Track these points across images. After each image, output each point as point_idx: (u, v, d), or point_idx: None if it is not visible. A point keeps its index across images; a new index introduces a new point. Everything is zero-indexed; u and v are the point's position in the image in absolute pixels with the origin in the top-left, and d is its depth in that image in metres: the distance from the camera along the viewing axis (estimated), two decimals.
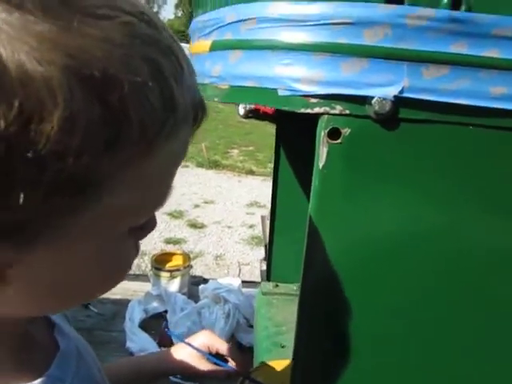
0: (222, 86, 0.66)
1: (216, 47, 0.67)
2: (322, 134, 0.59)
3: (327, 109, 0.58)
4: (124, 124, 0.28)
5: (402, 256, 0.62)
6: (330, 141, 0.59)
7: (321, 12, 0.56)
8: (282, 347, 1.20)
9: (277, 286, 1.45)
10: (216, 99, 0.68)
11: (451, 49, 0.56)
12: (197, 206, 5.41)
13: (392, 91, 0.56)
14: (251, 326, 2.75)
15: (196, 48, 0.76)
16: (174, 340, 2.52)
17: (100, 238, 0.34)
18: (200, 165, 6.64)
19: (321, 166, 0.59)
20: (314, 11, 0.56)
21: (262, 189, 6.28)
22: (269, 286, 1.45)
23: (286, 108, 0.60)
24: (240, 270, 4.19)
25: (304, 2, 0.57)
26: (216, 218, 5.25)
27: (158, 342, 2.58)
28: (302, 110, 0.59)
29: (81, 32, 0.26)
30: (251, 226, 5.12)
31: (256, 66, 0.61)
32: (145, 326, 2.73)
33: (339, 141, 0.59)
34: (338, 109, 0.58)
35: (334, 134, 0.59)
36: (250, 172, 6.78)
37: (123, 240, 0.37)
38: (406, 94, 0.57)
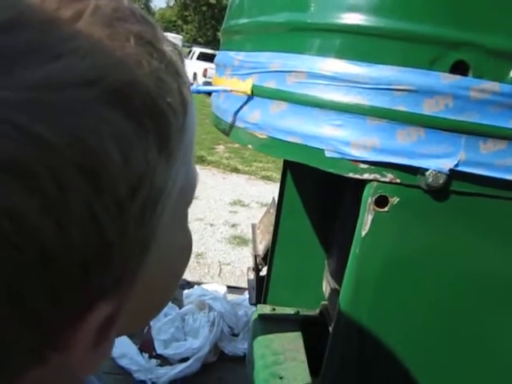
0: (259, 135, 0.62)
1: (256, 92, 0.63)
2: (368, 200, 0.56)
3: (377, 176, 0.55)
4: (162, 120, 0.26)
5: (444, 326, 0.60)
6: (376, 208, 0.56)
7: (380, 76, 0.53)
8: (280, 378, 1.18)
9: (274, 309, 1.42)
10: (250, 146, 0.65)
11: (511, 124, 0.53)
12: None
13: (448, 164, 0.54)
14: (235, 335, 2.74)
15: (226, 84, 0.72)
16: (155, 346, 2.48)
17: (176, 223, 0.33)
18: None
19: (363, 233, 0.56)
20: (373, 74, 0.53)
21: (246, 187, 6.24)
22: (265, 309, 1.42)
23: (331, 170, 0.56)
24: (221, 269, 4.16)
25: (363, 62, 0.53)
26: (199, 215, 5.18)
27: (139, 347, 2.54)
28: (350, 175, 0.55)
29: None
30: (234, 225, 5.08)
31: (302, 122, 0.58)
32: None
33: (386, 209, 0.56)
34: (389, 177, 0.55)
35: (381, 201, 0.56)
36: (235, 170, 6.71)
37: (186, 220, 0.36)
38: (460, 168, 0.54)
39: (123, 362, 2.38)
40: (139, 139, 0.24)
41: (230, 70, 0.71)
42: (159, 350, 2.44)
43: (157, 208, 0.27)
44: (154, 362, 2.42)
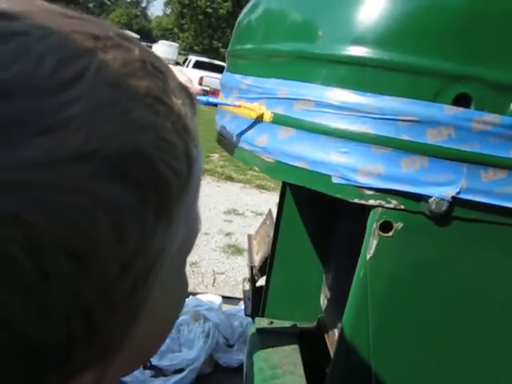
0: (267, 159, 0.64)
1: (264, 117, 0.65)
2: (373, 225, 0.58)
3: (382, 202, 0.57)
4: (162, 186, 0.24)
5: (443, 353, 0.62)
6: (381, 233, 0.57)
7: (386, 106, 0.55)
8: None
9: (271, 322, 1.43)
10: (257, 169, 0.66)
11: (511, 154, 0.56)
12: None
13: (450, 192, 0.56)
14: (230, 346, 2.74)
15: (233, 107, 0.74)
16: None
17: (172, 275, 0.30)
18: None
19: (368, 257, 0.58)
20: (378, 104, 0.55)
21: (240, 196, 6.24)
22: (263, 322, 1.42)
23: (338, 195, 0.58)
24: (215, 279, 4.14)
25: (369, 93, 0.55)
26: None
27: None
28: (356, 201, 0.57)
29: None
30: (228, 234, 5.07)
31: (309, 149, 0.59)
32: None
33: (390, 234, 0.58)
34: (393, 203, 0.57)
35: (385, 226, 0.58)
36: (230, 178, 6.73)
37: (183, 268, 0.35)
38: (462, 195, 0.56)
39: None
40: (136, 211, 0.22)
41: (237, 93, 0.73)
42: (154, 360, 2.44)
43: (150, 276, 0.25)
44: (148, 373, 2.41)
